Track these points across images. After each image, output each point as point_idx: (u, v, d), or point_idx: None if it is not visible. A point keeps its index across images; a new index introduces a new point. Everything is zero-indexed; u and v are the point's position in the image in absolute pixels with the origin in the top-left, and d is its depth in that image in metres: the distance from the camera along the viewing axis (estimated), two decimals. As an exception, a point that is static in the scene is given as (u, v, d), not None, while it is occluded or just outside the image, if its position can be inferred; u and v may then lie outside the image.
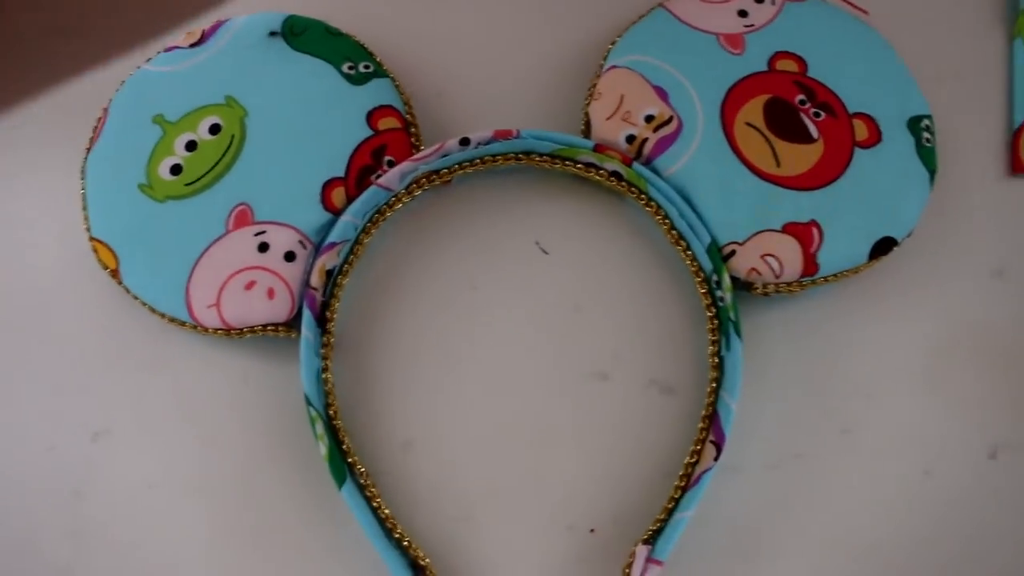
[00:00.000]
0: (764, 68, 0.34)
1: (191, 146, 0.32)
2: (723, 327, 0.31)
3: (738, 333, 0.30)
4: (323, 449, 0.30)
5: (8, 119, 0.37)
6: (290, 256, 0.31)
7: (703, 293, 0.32)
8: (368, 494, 0.30)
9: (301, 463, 0.31)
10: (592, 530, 0.30)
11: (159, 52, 0.34)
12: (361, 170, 0.32)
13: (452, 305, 0.33)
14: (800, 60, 0.34)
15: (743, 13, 0.35)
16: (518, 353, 0.32)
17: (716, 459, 0.29)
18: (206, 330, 0.31)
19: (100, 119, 0.34)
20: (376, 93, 0.33)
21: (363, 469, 0.30)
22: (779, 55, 0.34)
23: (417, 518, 0.31)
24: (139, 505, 0.31)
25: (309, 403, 0.30)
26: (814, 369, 0.32)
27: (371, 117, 0.33)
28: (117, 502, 0.31)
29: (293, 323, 0.31)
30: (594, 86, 0.34)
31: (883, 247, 0.32)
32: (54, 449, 0.32)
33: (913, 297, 0.33)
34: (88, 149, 0.33)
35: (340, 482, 0.29)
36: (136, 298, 0.32)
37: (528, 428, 0.32)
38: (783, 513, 0.31)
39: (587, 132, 0.34)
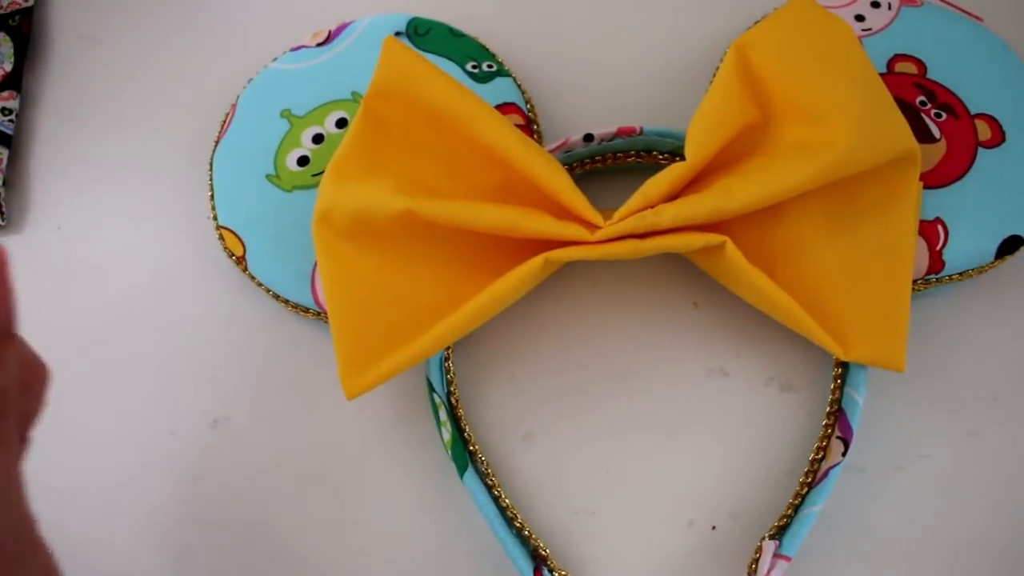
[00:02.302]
0: (883, 71, 0.34)
1: (318, 139, 0.33)
2: (848, 324, 0.31)
3: (863, 329, 0.30)
4: (446, 436, 0.30)
5: (130, 117, 0.38)
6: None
7: (826, 290, 0.31)
8: (489, 483, 0.30)
9: (420, 451, 0.31)
10: (714, 527, 0.30)
11: (286, 51, 0.35)
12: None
13: (573, 298, 0.33)
14: (919, 63, 0.34)
15: (860, 18, 0.35)
16: (638, 349, 0.32)
17: (844, 454, 0.29)
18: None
19: (228, 114, 0.35)
20: (499, 91, 0.34)
21: (484, 458, 0.30)
22: (898, 58, 0.34)
23: (537, 510, 0.31)
24: (257, 491, 0.31)
25: (432, 389, 0.30)
26: (939, 369, 0.32)
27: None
28: (236, 488, 0.32)
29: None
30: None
31: (1010, 245, 0.31)
32: (175, 434, 0.32)
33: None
34: (216, 142, 0.34)
35: (462, 470, 0.29)
36: (260, 285, 0.32)
37: (648, 423, 0.31)
38: (907, 515, 0.30)
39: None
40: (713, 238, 0.28)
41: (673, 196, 0.29)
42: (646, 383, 0.32)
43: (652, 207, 0.29)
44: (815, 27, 0.30)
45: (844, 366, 0.31)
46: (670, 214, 0.28)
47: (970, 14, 0.37)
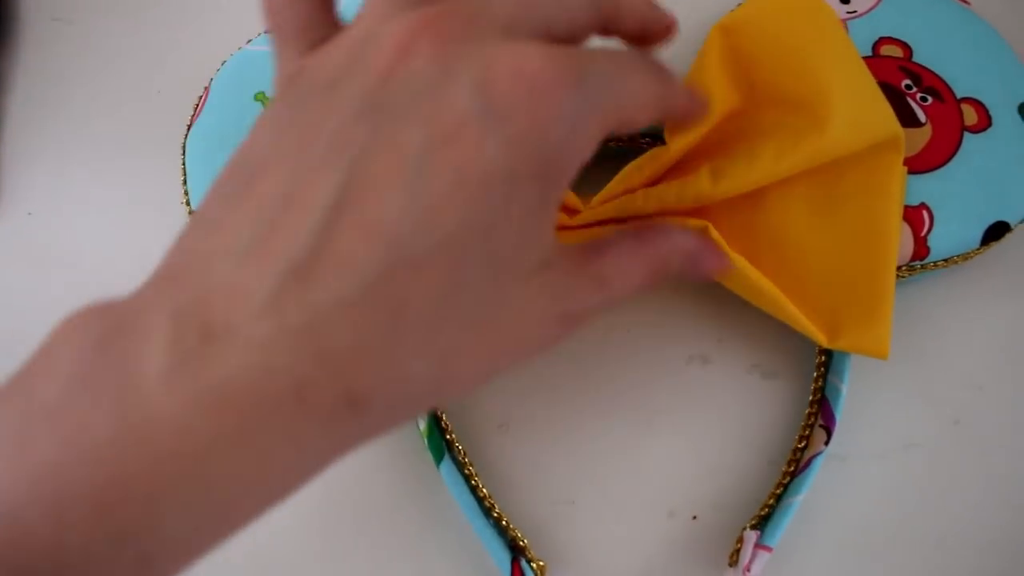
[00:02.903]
0: (868, 54, 0.33)
1: (292, 122, 0.33)
2: (831, 309, 0.30)
3: (847, 315, 0.30)
4: (422, 424, 0.29)
5: (102, 100, 0.37)
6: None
7: (810, 275, 0.31)
8: (466, 472, 0.29)
9: (397, 439, 0.31)
10: (694, 517, 0.30)
11: (260, 33, 0.35)
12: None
13: None
14: (905, 46, 0.34)
15: (845, 0, 0.35)
16: (617, 335, 0.32)
17: (826, 443, 0.28)
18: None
19: (201, 97, 0.34)
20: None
21: (461, 447, 0.30)
22: (883, 40, 0.34)
23: (515, 500, 0.30)
24: None
25: (408, 378, 0.30)
26: (923, 357, 0.31)
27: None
28: None
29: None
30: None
31: (996, 232, 0.31)
32: None
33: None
34: (189, 126, 0.33)
35: (439, 459, 0.29)
36: (234, 272, 0.31)
37: (628, 411, 0.31)
38: (892, 505, 0.30)
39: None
40: (694, 223, 0.28)
41: (655, 181, 0.29)
42: (626, 370, 0.31)
43: (633, 191, 0.28)
44: (799, 10, 0.29)
45: (827, 354, 0.30)
46: (654, 198, 0.28)
47: None
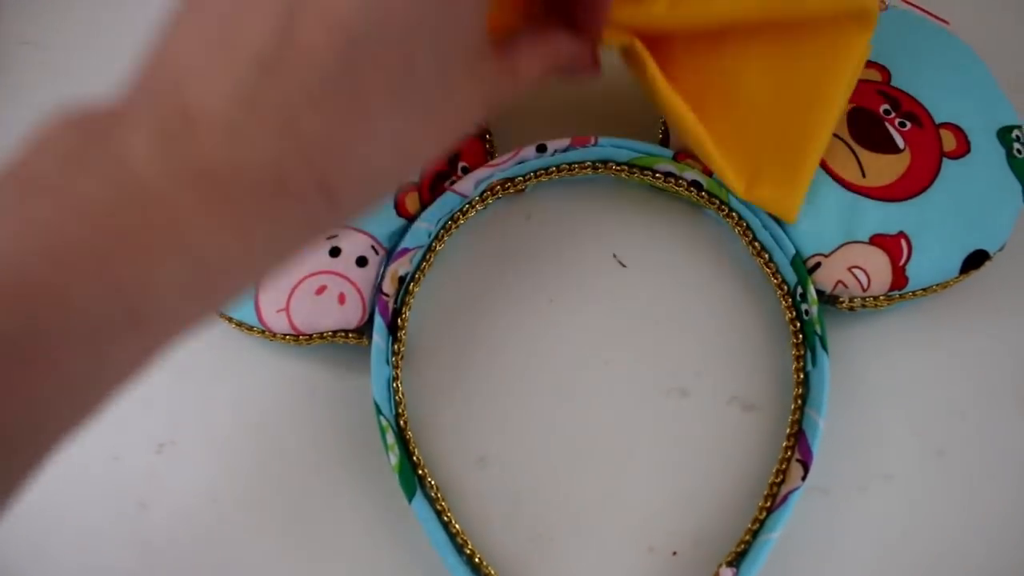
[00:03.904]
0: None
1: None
2: (808, 341, 0.30)
3: (824, 347, 0.29)
4: (393, 459, 0.29)
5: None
6: (362, 261, 0.30)
7: (787, 306, 0.31)
8: (439, 508, 0.29)
9: (369, 474, 0.30)
10: (674, 552, 0.29)
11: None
12: (435, 176, 0.31)
13: (527, 317, 0.32)
14: (883, 69, 0.33)
15: (824, 22, 0.34)
16: (595, 367, 0.31)
17: (803, 478, 0.28)
18: (274, 336, 0.30)
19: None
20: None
21: (433, 482, 0.29)
22: (862, 64, 0.33)
23: (490, 535, 0.29)
24: (204, 516, 0.30)
25: (379, 411, 0.29)
26: (904, 387, 0.31)
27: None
28: (181, 513, 0.30)
29: (363, 330, 0.30)
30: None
31: (975, 260, 0.30)
32: (119, 459, 0.31)
33: (1006, 313, 0.32)
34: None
35: (410, 494, 0.28)
36: (203, 303, 0.31)
37: (607, 445, 0.30)
38: (873, 537, 0.29)
39: (665, 141, 0.33)
40: (624, 38, 0.28)
41: None
42: (604, 403, 0.31)
43: None
44: None
45: (805, 386, 0.30)
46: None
47: (936, 17, 0.36)
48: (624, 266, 0.33)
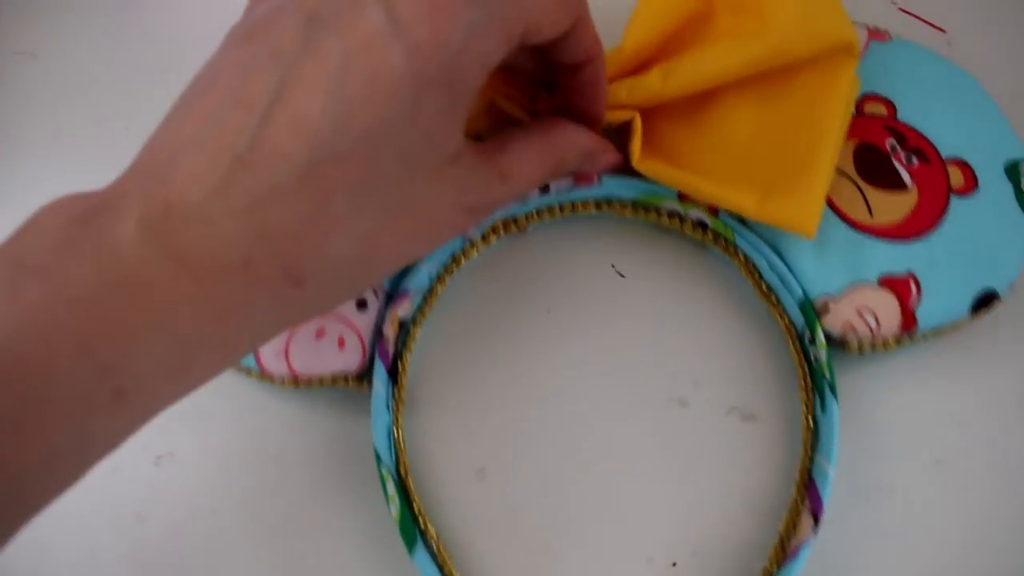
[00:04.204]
0: (852, 112, 0.32)
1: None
2: (818, 386, 0.29)
3: (834, 393, 0.29)
4: (394, 511, 0.28)
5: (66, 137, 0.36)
6: (362, 304, 0.30)
7: (795, 350, 0.30)
8: (440, 560, 0.28)
9: (369, 526, 0.30)
10: (674, 564, 0.29)
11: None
12: (435, 216, 0.31)
13: (527, 331, 0.31)
14: (889, 103, 0.33)
15: (828, 55, 0.34)
16: (593, 378, 0.31)
17: (815, 530, 0.27)
18: (272, 380, 0.30)
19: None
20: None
21: (435, 533, 0.28)
22: (867, 98, 0.33)
23: (490, 547, 0.29)
24: (201, 531, 0.30)
25: (379, 461, 0.28)
26: (904, 400, 0.31)
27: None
28: (179, 527, 0.30)
29: (362, 375, 0.30)
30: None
31: (985, 301, 0.30)
32: (117, 471, 0.30)
33: (1012, 353, 0.31)
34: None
35: (411, 546, 0.28)
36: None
37: (605, 456, 0.30)
38: (873, 548, 0.29)
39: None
40: (622, 114, 0.29)
41: (610, 80, 0.30)
42: (603, 414, 0.31)
43: None
44: None
45: (815, 434, 0.29)
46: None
47: (934, 25, 0.36)
48: (623, 276, 0.32)
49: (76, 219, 0.20)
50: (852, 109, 0.31)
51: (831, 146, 0.29)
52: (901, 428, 0.30)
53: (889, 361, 0.31)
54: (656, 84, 0.29)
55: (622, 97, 0.29)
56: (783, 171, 0.29)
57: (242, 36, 0.23)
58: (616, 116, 0.29)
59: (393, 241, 0.23)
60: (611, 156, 0.29)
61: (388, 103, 0.21)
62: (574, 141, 0.28)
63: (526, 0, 0.23)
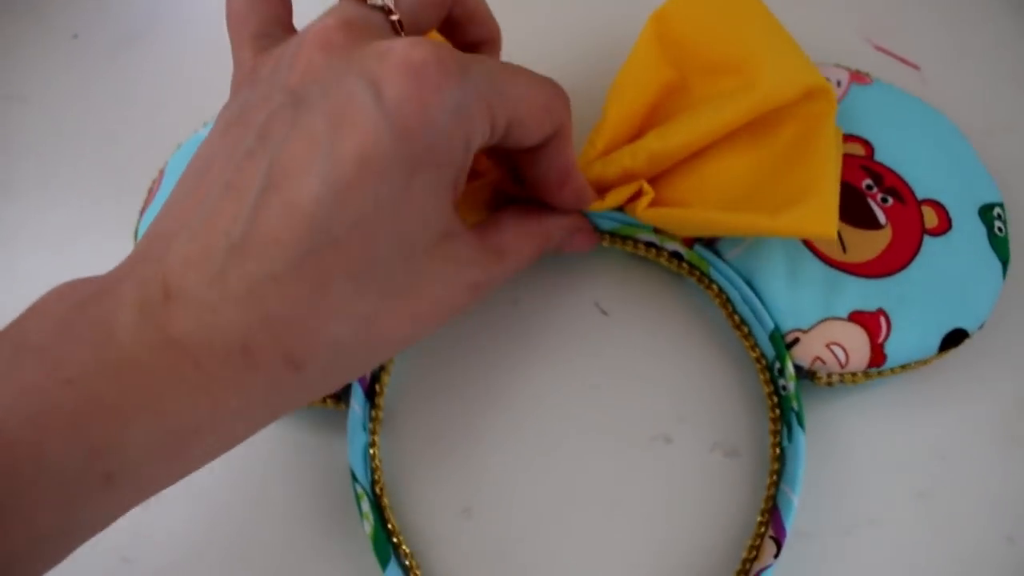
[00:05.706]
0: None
1: (247, 211, 0.32)
2: (785, 416, 0.30)
3: (801, 424, 0.29)
4: (368, 528, 0.29)
5: (55, 181, 0.37)
6: (342, 326, 0.30)
7: (764, 380, 0.31)
8: (412, 576, 0.29)
9: (344, 540, 0.30)
10: None
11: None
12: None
13: (511, 367, 0.32)
14: (866, 144, 0.33)
15: (808, 96, 0.35)
16: (577, 415, 0.32)
17: (776, 556, 0.28)
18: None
19: (155, 180, 0.34)
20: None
21: (408, 550, 0.29)
22: (846, 138, 0.33)
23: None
24: (188, 571, 0.30)
25: (355, 479, 0.29)
26: (886, 430, 0.31)
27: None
28: (166, 569, 0.31)
29: (340, 394, 0.30)
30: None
31: (954, 339, 0.30)
32: None
33: (986, 388, 0.32)
34: (142, 211, 0.33)
35: (384, 563, 0.28)
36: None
37: (589, 493, 0.31)
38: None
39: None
40: (627, 189, 0.30)
41: (607, 152, 0.31)
42: (586, 451, 0.31)
43: (590, 162, 0.31)
44: None
45: (781, 462, 0.30)
46: (612, 163, 0.30)
47: (907, 62, 0.36)
48: (605, 313, 0.33)
49: (77, 303, 0.20)
50: (841, 149, 0.31)
51: (832, 159, 0.29)
52: (881, 460, 0.31)
53: (865, 393, 0.31)
54: (656, 144, 0.29)
55: (626, 163, 0.30)
56: (789, 191, 0.29)
57: (232, 120, 0.23)
58: (622, 193, 0.30)
59: (395, 323, 0.23)
60: (589, 236, 0.31)
61: (379, 184, 0.21)
62: (561, 220, 0.29)
63: (511, 91, 0.23)
